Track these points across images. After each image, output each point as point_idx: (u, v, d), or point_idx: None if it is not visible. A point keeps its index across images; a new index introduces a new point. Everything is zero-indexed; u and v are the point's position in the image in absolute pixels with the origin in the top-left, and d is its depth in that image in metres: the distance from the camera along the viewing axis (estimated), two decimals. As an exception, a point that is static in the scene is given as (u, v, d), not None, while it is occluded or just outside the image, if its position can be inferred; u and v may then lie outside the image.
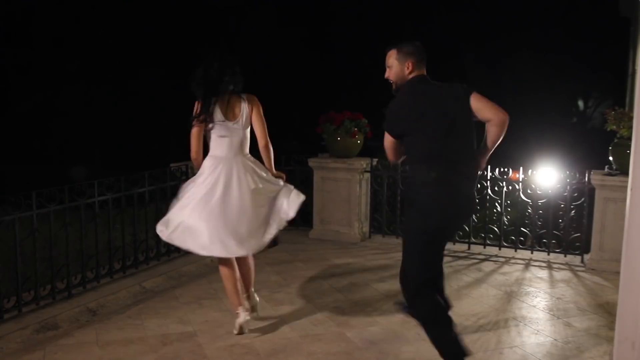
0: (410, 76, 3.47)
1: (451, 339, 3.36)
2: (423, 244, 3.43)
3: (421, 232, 3.41)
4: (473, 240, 6.49)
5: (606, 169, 5.82)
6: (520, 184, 6.21)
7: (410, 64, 3.45)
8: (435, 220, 3.37)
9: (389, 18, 24.93)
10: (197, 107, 4.05)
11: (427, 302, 3.41)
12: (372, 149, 6.56)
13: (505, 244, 6.37)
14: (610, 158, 5.80)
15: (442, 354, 3.37)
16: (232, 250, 3.96)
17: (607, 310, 4.68)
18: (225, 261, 4.09)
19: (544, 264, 5.97)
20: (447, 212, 3.38)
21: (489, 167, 6.30)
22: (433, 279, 3.48)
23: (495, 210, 6.43)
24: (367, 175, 6.87)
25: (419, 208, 3.40)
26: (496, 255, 6.24)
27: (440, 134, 3.33)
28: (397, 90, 3.52)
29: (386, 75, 3.55)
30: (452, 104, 3.37)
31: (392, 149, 3.51)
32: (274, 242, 6.86)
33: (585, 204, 5.99)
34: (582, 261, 5.98)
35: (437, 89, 3.47)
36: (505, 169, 6.31)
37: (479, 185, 6.32)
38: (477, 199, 6.31)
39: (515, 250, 6.30)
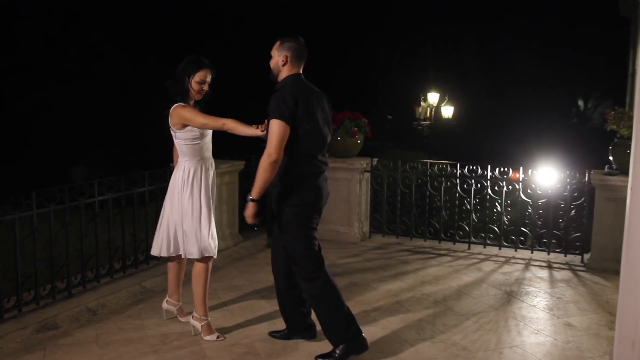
0: (284, 68, 3.68)
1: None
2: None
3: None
4: (473, 240, 6.49)
5: (606, 169, 5.82)
6: (520, 183, 6.21)
7: (284, 57, 3.67)
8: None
9: (389, 18, 24.89)
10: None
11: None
12: (372, 148, 6.57)
13: (505, 244, 6.37)
14: (611, 158, 5.80)
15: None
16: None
17: (607, 310, 4.68)
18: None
19: (544, 264, 5.97)
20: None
21: (489, 167, 6.31)
22: None
23: (495, 210, 6.43)
24: (367, 175, 6.87)
25: None
26: (496, 255, 6.24)
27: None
28: (275, 81, 3.73)
29: (270, 62, 3.77)
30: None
31: (284, 139, 3.55)
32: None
33: (585, 204, 6.00)
34: (582, 261, 5.99)
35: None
36: (505, 169, 6.31)
37: (478, 185, 6.35)
38: (477, 198, 6.39)
39: (516, 250, 6.30)
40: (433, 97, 19.04)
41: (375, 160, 6.91)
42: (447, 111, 19.13)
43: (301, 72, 3.75)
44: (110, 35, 19.39)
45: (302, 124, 3.58)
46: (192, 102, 4.09)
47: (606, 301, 4.91)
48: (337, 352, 3.70)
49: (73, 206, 4.74)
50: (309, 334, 4.03)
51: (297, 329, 4.05)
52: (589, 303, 4.89)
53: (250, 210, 3.65)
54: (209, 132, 4.13)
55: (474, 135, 21.34)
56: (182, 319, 4.40)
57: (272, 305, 4.74)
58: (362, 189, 6.82)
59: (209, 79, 4.07)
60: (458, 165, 6.50)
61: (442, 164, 6.66)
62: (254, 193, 3.62)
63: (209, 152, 4.17)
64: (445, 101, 19.11)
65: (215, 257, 4.14)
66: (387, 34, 24.71)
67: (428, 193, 6.67)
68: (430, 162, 6.67)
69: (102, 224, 5.09)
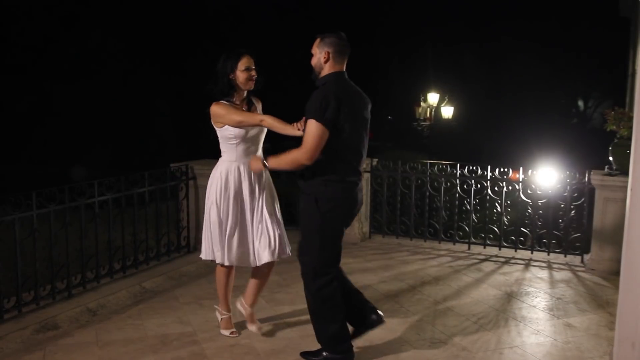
0: (327, 65, 3.51)
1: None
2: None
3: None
4: (473, 240, 6.49)
5: (606, 169, 5.82)
6: (520, 184, 6.21)
7: (326, 54, 3.50)
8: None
9: (389, 18, 24.88)
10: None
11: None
12: (372, 149, 6.53)
13: (505, 244, 6.37)
14: (610, 158, 5.80)
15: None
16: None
17: (607, 310, 4.68)
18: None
19: (544, 264, 5.97)
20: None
21: (489, 167, 6.31)
22: None
23: (495, 210, 6.43)
24: (367, 175, 6.86)
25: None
26: (496, 256, 6.24)
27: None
28: (316, 79, 3.57)
29: (311, 61, 3.60)
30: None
31: (322, 143, 3.39)
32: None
33: (585, 204, 5.99)
34: (582, 261, 5.98)
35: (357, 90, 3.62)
36: (505, 169, 6.31)
37: (478, 185, 6.34)
38: (477, 199, 6.39)
39: (515, 251, 6.30)
40: (433, 98, 19.05)
41: (375, 161, 6.91)
42: (447, 111, 19.13)
43: (344, 69, 3.57)
44: (110, 36, 19.39)
45: (343, 127, 3.42)
46: (244, 96, 3.99)
47: (606, 301, 4.91)
48: (324, 354, 3.67)
49: (73, 206, 4.74)
50: (376, 321, 3.80)
51: (367, 323, 3.84)
52: (589, 303, 4.89)
53: (256, 164, 3.72)
54: (254, 134, 3.95)
55: (474, 135, 21.34)
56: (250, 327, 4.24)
57: (272, 306, 4.74)
58: (362, 189, 6.80)
59: (253, 64, 3.94)
60: (458, 165, 6.50)
61: (442, 164, 6.65)
62: (271, 165, 3.63)
63: (252, 154, 3.97)
64: (445, 101, 19.11)
65: (220, 263, 4.05)
66: (387, 34, 24.71)
67: (428, 193, 6.67)
68: (430, 163, 6.67)
69: (102, 224, 5.09)
